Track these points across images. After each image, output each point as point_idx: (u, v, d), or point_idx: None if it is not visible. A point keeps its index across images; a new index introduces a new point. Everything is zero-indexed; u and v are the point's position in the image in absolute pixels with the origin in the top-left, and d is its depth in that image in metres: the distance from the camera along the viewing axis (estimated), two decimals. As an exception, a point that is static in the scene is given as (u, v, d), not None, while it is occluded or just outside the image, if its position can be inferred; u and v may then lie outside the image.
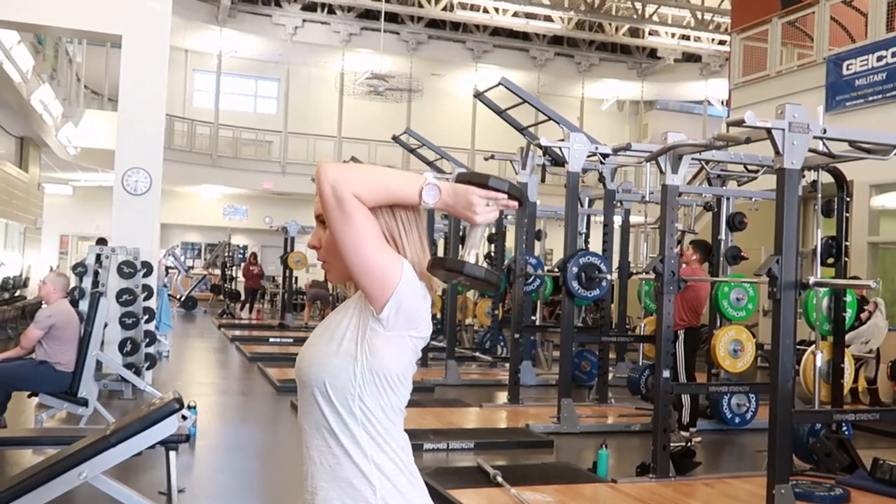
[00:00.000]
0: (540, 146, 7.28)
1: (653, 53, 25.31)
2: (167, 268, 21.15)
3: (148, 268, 8.53)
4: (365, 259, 1.54)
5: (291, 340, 13.87)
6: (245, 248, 23.84)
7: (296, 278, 22.92)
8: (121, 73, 8.65)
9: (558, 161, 7.77)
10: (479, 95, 8.13)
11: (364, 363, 1.57)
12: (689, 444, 5.79)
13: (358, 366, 1.57)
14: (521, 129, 8.11)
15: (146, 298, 8.44)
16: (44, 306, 6.12)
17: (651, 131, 25.98)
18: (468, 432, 6.97)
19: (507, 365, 10.08)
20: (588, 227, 10.76)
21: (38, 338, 5.96)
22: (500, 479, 5.21)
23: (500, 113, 8.19)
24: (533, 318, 11.48)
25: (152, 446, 4.36)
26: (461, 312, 13.31)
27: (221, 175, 22.63)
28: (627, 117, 28.38)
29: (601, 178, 7.86)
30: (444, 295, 10.81)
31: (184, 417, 6.49)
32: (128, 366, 7.80)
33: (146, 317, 8.35)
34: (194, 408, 6.58)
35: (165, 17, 8.71)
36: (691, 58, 25.03)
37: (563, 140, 7.26)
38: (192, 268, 23.67)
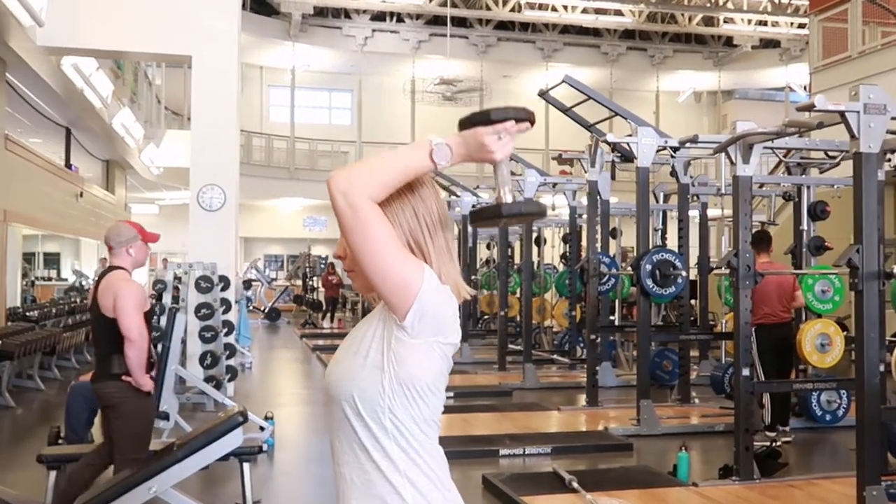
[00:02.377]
0: (607, 142, 7.13)
1: (729, 41, 24.66)
2: (250, 280, 21.66)
3: (225, 282, 8.70)
4: (384, 267, 1.48)
5: (371, 348, 13.96)
6: (325, 258, 24.17)
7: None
8: (192, 93, 8.86)
9: (628, 157, 7.61)
10: (543, 94, 8.02)
11: (392, 374, 1.52)
12: (774, 444, 5.56)
13: (386, 377, 1.52)
14: (589, 126, 7.96)
15: (225, 312, 8.61)
16: None
17: (730, 122, 25.32)
18: (545, 437, 6.86)
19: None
20: (665, 223, 10.51)
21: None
22: (575, 484, 5.10)
23: (565, 111, 8.06)
24: (611, 317, 11.29)
25: (226, 458, 4.44)
26: (539, 315, 13.19)
27: (299, 187, 23.02)
28: (705, 109, 27.69)
29: (673, 173, 7.65)
30: (520, 297, 10.72)
31: (261, 428, 6.61)
32: (209, 378, 7.96)
33: (225, 330, 8.51)
34: (271, 419, 6.66)
35: (233, 37, 8.88)
36: (770, 43, 24.28)
37: (630, 135, 7.11)
38: (275, 280, 24.14)
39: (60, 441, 6.13)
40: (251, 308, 21.40)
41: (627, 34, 24.62)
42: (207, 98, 8.89)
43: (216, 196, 8.96)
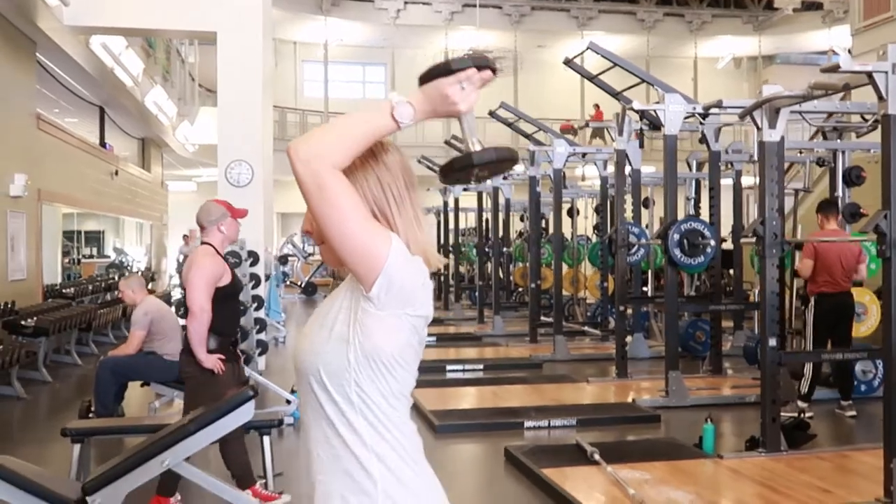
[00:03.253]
0: (634, 110, 6.99)
1: (769, 5, 24.02)
2: (286, 256, 21.81)
3: (254, 257, 8.73)
4: (349, 236, 1.44)
5: (405, 322, 13.99)
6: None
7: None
8: (218, 70, 8.87)
9: (656, 125, 7.45)
10: (568, 62, 7.88)
11: (357, 346, 1.48)
12: (801, 415, 5.44)
13: (351, 349, 1.48)
14: (616, 94, 7.81)
15: (254, 287, 8.66)
16: (136, 308, 6.32)
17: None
18: (571, 409, 6.81)
19: (627, 337, 9.84)
20: (698, 192, 10.31)
21: (141, 338, 6.18)
22: (597, 456, 5.05)
23: (591, 79, 7.91)
24: (644, 288, 11.17)
25: (247, 431, 4.46)
26: (573, 286, 13.10)
27: (335, 162, 23.04)
28: (745, 74, 27.08)
29: (702, 140, 7.48)
30: (551, 268, 10.64)
31: (287, 402, 6.67)
32: (239, 353, 8.02)
33: (255, 305, 8.56)
34: (297, 392, 6.70)
35: (258, 12, 8.84)
36: (812, 6, 23.59)
37: (658, 102, 6.97)
38: (312, 255, 24.28)
39: (91, 415, 6.25)
40: (288, 283, 21.60)
41: (664, 0, 24.14)
42: (233, 74, 8.88)
43: (244, 172, 8.98)
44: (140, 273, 15.72)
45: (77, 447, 4.54)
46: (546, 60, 24.89)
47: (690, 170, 10.38)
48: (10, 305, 7.99)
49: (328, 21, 22.63)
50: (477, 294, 14.53)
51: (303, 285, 20.75)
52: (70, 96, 12.53)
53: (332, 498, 1.51)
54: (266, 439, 4.65)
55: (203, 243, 4.23)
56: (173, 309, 8.08)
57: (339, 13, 22.72)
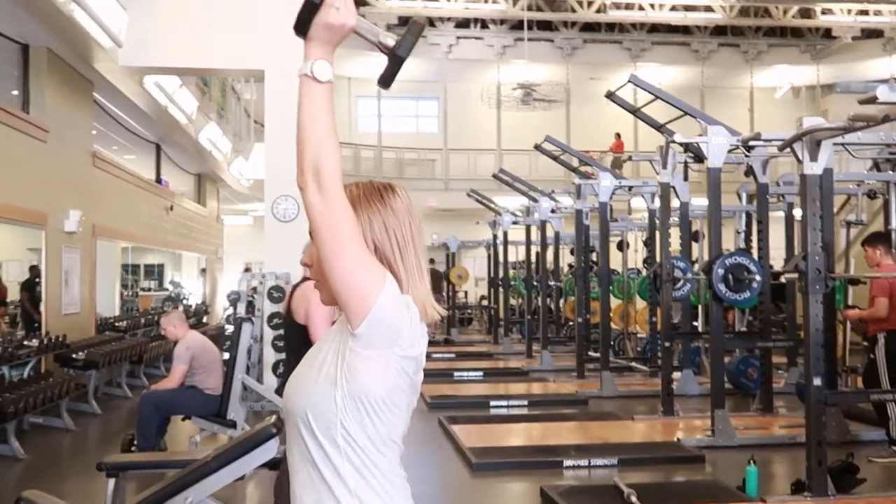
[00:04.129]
0: (676, 142, 6.90)
1: (827, 33, 23.60)
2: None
3: (298, 291, 8.81)
4: (347, 265, 1.43)
5: (453, 356, 13.94)
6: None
7: (465, 293, 23.22)
8: (265, 107, 9.04)
9: (701, 157, 7.34)
10: (610, 96, 7.83)
11: (344, 387, 1.46)
12: (849, 458, 5.23)
13: (339, 391, 1.47)
14: (659, 127, 7.72)
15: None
16: (178, 343, 6.41)
17: (832, 117, 24.21)
18: (613, 447, 6.66)
19: (675, 374, 9.63)
20: (749, 225, 10.09)
21: (183, 372, 6.27)
22: (634, 498, 4.93)
23: (634, 112, 7.85)
24: (695, 323, 10.93)
25: (275, 467, 4.47)
26: (622, 321, 12.91)
27: (388, 196, 23.21)
28: (805, 104, 26.56)
29: (748, 172, 7.33)
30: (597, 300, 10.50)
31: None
32: (282, 386, 8.08)
33: (298, 339, 8.61)
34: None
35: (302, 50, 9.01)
36: (872, 34, 23.13)
37: (701, 134, 6.87)
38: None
39: (133, 448, 6.34)
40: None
41: (718, 30, 23.88)
42: (280, 111, 9.04)
43: (290, 207, 9.11)
44: (194, 306, 16.00)
45: (112, 481, 4.59)
46: (598, 92, 24.59)
47: (741, 202, 10.18)
48: (61, 339, 8.18)
49: (381, 57, 22.90)
50: (525, 328, 14.41)
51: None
52: (128, 134, 12.90)
53: None
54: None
55: (306, 279, 4.16)
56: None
57: (392, 49, 23.03)
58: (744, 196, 10.11)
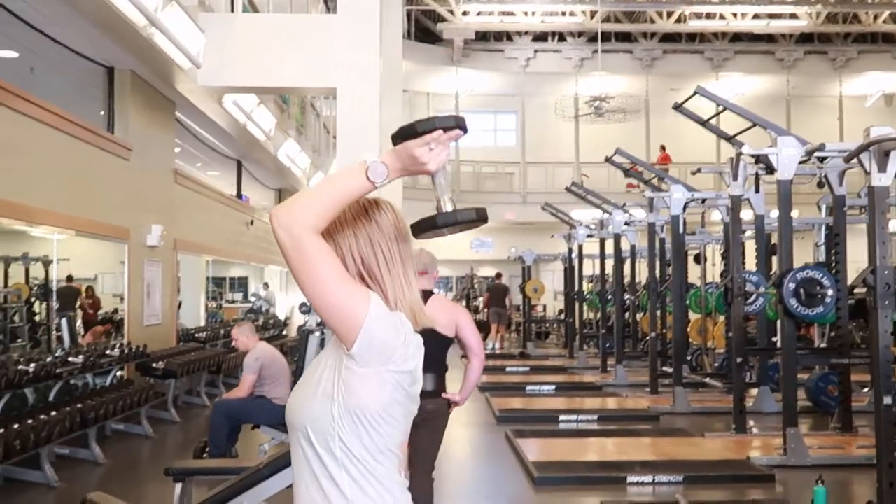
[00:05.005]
0: (744, 154, 6.76)
1: (921, 38, 22.73)
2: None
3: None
4: (328, 298, 1.50)
5: (528, 369, 13.90)
6: (491, 279, 24.36)
7: (543, 306, 23.09)
8: (337, 123, 9.23)
9: (773, 169, 7.17)
10: (678, 107, 7.73)
11: (341, 403, 1.52)
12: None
13: (335, 406, 1.53)
14: (729, 139, 7.58)
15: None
16: (248, 353, 6.61)
17: (927, 125, 23.21)
18: (680, 464, 6.54)
19: (753, 391, 9.41)
20: (829, 238, 9.77)
21: (252, 382, 6.46)
22: (693, 516, 4.84)
23: (702, 123, 7.72)
24: (774, 339, 10.62)
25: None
26: (700, 336, 12.65)
27: (465, 210, 23.32)
28: (898, 112, 25.61)
29: (820, 184, 7.13)
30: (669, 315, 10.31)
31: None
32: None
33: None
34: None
35: (375, 68, 9.17)
36: (970, 37, 22.17)
37: (772, 146, 6.72)
38: (443, 301, 24.54)
39: (205, 455, 6.56)
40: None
41: (805, 38, 23.26)
42: (351, 127, 9.21)
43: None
44: (273, 319, 16.39)
45: (178, 486, 4.77)
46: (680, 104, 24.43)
47: (821, 214, 9.90)
48: (142, 348, 8.52)
49: (459, 71, 23.13)
50: (600, 343, 14.25)
51: (432, 331, 20.95)
52: (211, 151, 13.35)
53: None
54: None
55: (431, 291, 4.31)
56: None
57: (470, 63, 23.20)
58: (823, 208, 9.82)
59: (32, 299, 10.92)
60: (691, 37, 23.36)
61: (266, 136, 12.32)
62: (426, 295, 4.14)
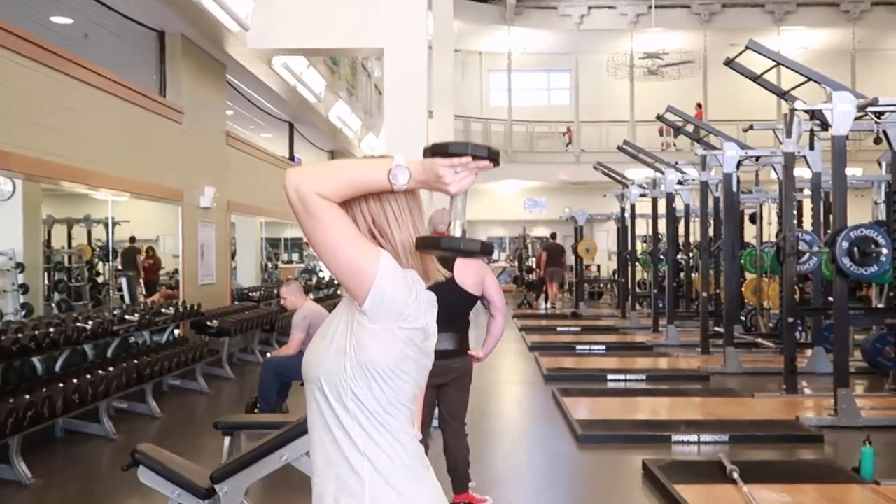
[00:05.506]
0: (797, 110, 6.59)
1: None
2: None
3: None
4: (338, 255, 1.52)
5: (579, 329, 13.88)
6: (545, 238, 24.27)
7: (598, 266, 22.94)
8: (384, 83, 9.23)
9: (827, 125, 6.98)
10: (729, 63, 7.54)
11: (353, 357, 1.55)
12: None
13: (348, 360, 1.56)
14: (783, 95, 7.38)
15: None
16: (296, 312, 6.74)
17: None
18: (726, 424, 6.50)
19: (808, 351, 9.26)
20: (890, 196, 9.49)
21: (300, 339, 6.59)
22: (736, 475, 4.81)
23: (754, 79, 7.52)
24: (830, 298, 10.41)
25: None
26: (755, 295, 12.44)
27: (518, 170, 23.24)
28: (974, 64, 24.55)
29: (878, 139, 6.90)
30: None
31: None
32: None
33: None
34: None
35: (422, 28, 9.12)
36: None
37: (826, 101, 6.53)
38: (496, 261, 24.59)
39: (256, 410, 6.74)
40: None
41: (872, -12, 22.42)
42: (398, 88, 9.19)
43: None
44: (327, 278, 16.63)
45: (227, 439, 4.91)
46: (742, 60, 23.78)
47: (882, 171, 9.61)
48: (196, 307, 8.73)
49: (512, 30, 22.88)
50: (652, 303, 14.14)
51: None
52: (263, 114, 13.49)
53: (324, 500, 1.60)
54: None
55: None
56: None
57: (523, 22, 22.92)
58: (884, 165, 9.53)
59: (95, 260, 11.26)
60: (752, -11, 22.70)
61: (316, 98, 12.39)
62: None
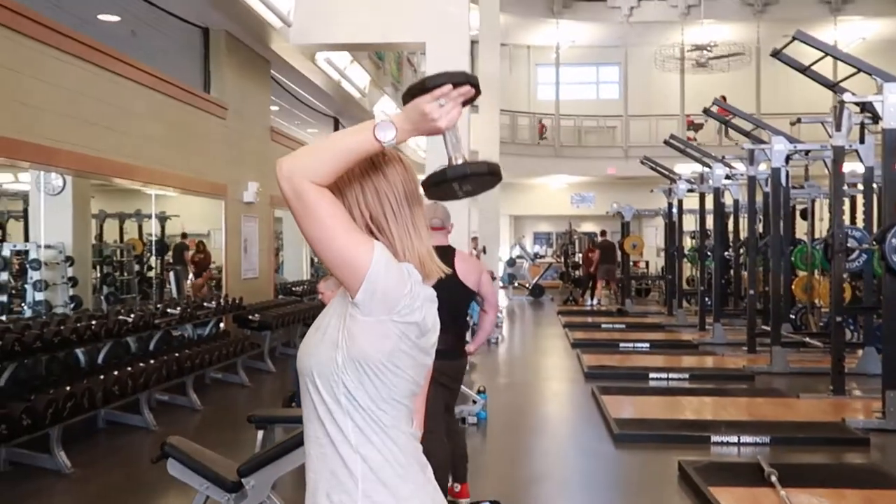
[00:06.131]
0: (846, 102, 6.40)
1: None
2: (513, 258, 22.11)
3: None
4: (330, 245, 1.50)
5: (623, 326, 13.73)
6: (593, 234, 24.05)
7: (646, 263, 22.67)
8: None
9: (878, 117, 6.76)
10: (776, 54, 7.35)
11: (345, 350, 1.53)
12: None
13: (339, 353, 1.54)
14: (832, 86, 7.18)
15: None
16: None
17: None
18: (769, 425, 6.36)
19: (859, 351, 9.02)
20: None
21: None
22: (774, 478, 4.70)
23: (803, 70, 7.32)
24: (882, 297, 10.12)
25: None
26: (805, 293, 12.16)
27: (566, 165, 23.05)
28: None
29: (931, 133, 6.65)
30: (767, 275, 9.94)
31: (473, 402, 6.82)
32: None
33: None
34: (483, 392, 6.85)
35: (464, 21, 9.08)
36: None
37: (877, 93, 6.33)
38: (543, 257, 24.45)
39: (293, 404, 6.78)
40: (516, 284, 21.88)
41: (934, -25, 21.67)
42: (441, 82, 9.17)
43: (448, 176, 9.25)
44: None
45: (260, 433, 4.96)
46: (793, 51, 23.22)
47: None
48: (238, 301, 8.83)
49: (560, 24, 22.66)
50: (699, 300, 13.91)
51: (530, 287, 20.93)
52: (307, 109, 13.58)
53: (317, 495, 1.58)
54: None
55: (451, 247, 4.25)
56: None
57: (571, 15, 22.68)
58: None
59: (146, 254, 11.49)
60: (808, -21, 22.12)
61: (361, 94, 12.43)
62: (448, 251, 4.12)
